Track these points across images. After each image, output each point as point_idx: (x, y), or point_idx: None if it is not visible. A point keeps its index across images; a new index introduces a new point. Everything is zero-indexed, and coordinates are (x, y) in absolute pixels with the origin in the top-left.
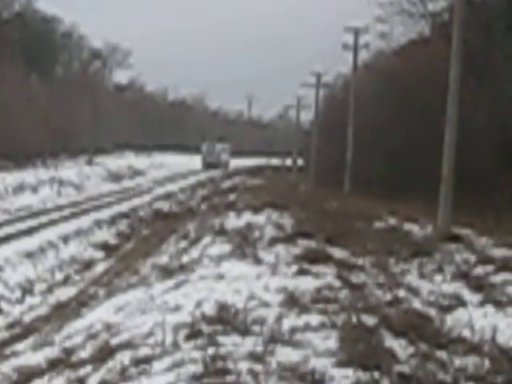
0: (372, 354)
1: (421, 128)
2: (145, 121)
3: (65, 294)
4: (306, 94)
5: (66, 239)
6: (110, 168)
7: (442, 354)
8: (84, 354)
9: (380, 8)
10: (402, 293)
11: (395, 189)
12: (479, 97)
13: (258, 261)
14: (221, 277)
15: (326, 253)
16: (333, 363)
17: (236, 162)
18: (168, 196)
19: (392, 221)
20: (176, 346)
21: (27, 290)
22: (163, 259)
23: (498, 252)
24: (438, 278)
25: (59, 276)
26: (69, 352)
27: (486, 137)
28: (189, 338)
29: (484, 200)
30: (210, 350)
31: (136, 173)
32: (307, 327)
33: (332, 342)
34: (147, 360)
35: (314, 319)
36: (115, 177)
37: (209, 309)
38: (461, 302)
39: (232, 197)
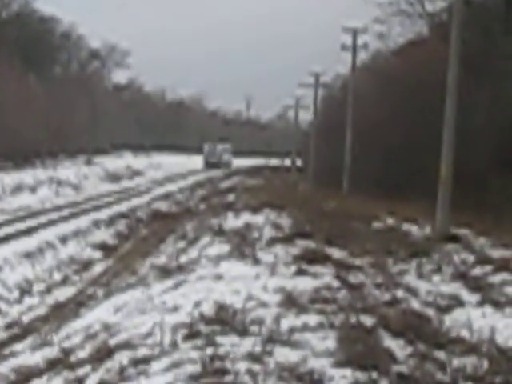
0: (370, 355)
1: (419, 128)
2: (143, 121)
3: (63, 294)
4: (304, 94)
5: (64, 239)
6: (109, 168)
7: (440, 354)
8: (82, 354)
9: (378, 8)
10: (400, 293)
11: (394, 189)
12: (478, 97)
13: (256, 261)
14: (219, 277)
15: (325, 253)
16: (331, 363)
17: (234, 162)
18: (166, 196)
19: (390, 221)
20: (174, 346)
21: (26, 290)
22: (162, 259)
23: (497, 252)
24: (437, 278)
25: (58, 276)
26: (67, 352)
27: (484, 137)
28: (187, 338)
29: (482, 200)
30: (209, 351)
31: (134, 173)
32: (305, 327)
33: (330, 343)
34: (146, 360)
35: (313, 319)
36: (113, 177)
37: (207, 309)
38: (459, 303)
39: (231, 197)
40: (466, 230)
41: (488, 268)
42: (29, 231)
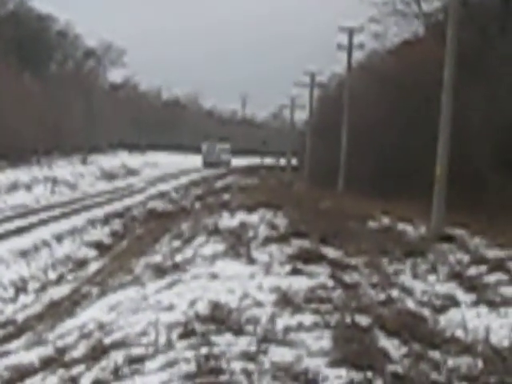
0: (365, 354)
1: (415, 128)
2: (139, 120)
3: (58, 292)
4: (300, 93)
5: (59, 238)
6: (104, 167)
7: (435, 354)
8: (77, 353)
9: (374, 8)
10: (395, 293)
11: (389, 189)
12: (474, 97)
13: (251, 260)
14: (214, 276)
15: (320, 252)
16: (326, 363)
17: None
18: (162, 195)
19: (386, 221)
20: (169, 345)
21: (21, 288)
22: (157, 258)
23: (492, 252)
24: (432, 278)
25: (53, 275)
26: (62, 351)
27: (480, 137)
28: (182, 337)
29: (478, 200)
30: (204, 350)
31: (130, 172)
32: (301, 327)
33: (325, 342)
34: (140, 359)
35: (308, 319)
36: (109, 176)
37: (202, 308)
38: (454, 302)
39: (226, 196)
40: (462, 229)
41: (483, 268)
42: (24, 229)
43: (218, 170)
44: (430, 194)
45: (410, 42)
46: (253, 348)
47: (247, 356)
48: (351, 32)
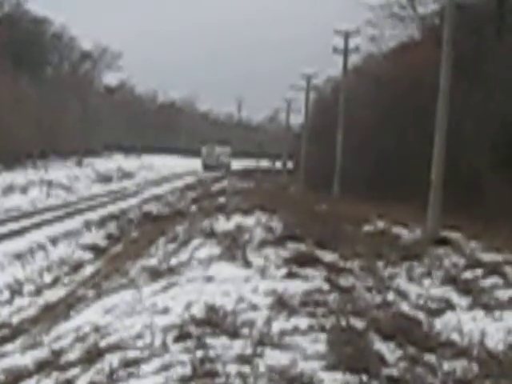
0: (360, 358)
1: (410, 131)
2: (134, 123)
3: (53, 295)
4: (296, 96)
5: (55, 241)
6: (100, 170)
7: (430, 358)
8: (72, 355)
9: (370, 11)
10: (390, 296)
11: (384, 192)
12: (470, 100)
13: (247, 263)
14: (210, 279)
15: (315, 256)
16: (321, 366)
17: None
18: (157, 198)
19: (381, 224)
20: (165, 348)
21: (16, 291)
22: (152, 261)
23: (487, 256)
24: (427, 281)
25: (48, 278)
26: (57, 354)
27: (476, 140)
28: (178, 340)
29: (473, 203)
30: (199, 353)
31: (125, 175)
32: (296, 330)
33: (321, 345)
34: (136, 362)
35: (303, 322)
36: (104, 178)
37: (198, 311)
38: (449, 306)
39: (222, 199)
40: (457, 233)
41: (479, 272)
42: (19, 232)
43: (215, 173)
44: (426, 197)
45: (405, 46)
46: (248, 351)
47: (242, 359)
48: (347, 35)
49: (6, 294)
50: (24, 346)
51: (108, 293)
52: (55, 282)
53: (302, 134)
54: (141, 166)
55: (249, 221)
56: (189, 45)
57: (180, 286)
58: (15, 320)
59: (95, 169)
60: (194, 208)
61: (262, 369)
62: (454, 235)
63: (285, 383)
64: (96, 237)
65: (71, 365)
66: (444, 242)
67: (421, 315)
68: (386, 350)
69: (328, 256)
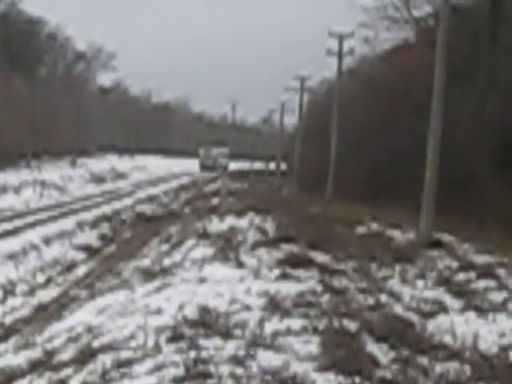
0: (353, 359)
1: (404, 133)
2: (128, 123)
3: (46, 295)
4: (290, 98)
5: (48, 241)
6: (93, 170)
7: (423, 360)
8: (65, 356)
9: (364, 13)
10: (383, 298)
11: (378, 194)
12: (464, 103)
13: (240, 264)
14: (203, 280)
15: (309, 257)
16: (314, 368)
17: None
18: (151, 199)
19: (374, 226)
20: (158, 348)
21: (9, 291)
22: (145, 262)
23: (480, 258)
24: (420, 283)
25: (41, 278)
26: (50, 354)
27: (470, 143)
28: (170, 340)
29: (467, 206)
30: (192, 354)
31: (119, 175)
32: (289, 331)
33: (313, 347)
34: (129, 363)
35: (296, 323)
36: (98, 179)
37: (191, 312)
38: (442, 308)
39: (215, 200)
40: (450, 235)
41: (472, 274)
42: (12, 232)
43: (212, 173)
44: (419, 199)
45: (400, 48)
46: (241, 352)
47: (235, 360)
48: (341, 37)
49: None
50: (17, 345)
51: (101, 293)
52: (48, 282)
53: (296, 136)
54: (134, 167)
55: (242, 222)
56: (183, 46)
57: (173, 287)
58: (8, 320)
59: (89, 169)
60: (187, 209)
61: (254, 370)
62: (447, 237)
63: None
64: (89, 237)
65: (64, 365)
66: (437, 244)
67: (414, 317)
68: (379, 351)
69: (321, 257)
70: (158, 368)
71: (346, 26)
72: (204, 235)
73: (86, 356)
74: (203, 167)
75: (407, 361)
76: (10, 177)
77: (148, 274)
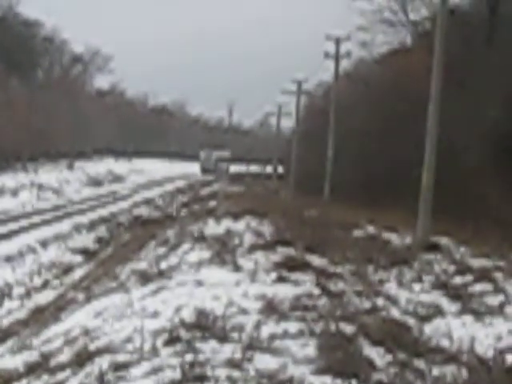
0: (350, 362)
1: (401, 137)
2: (125, 126)
3: (43, 298)
4: (287, 101)
5: (44, 244)
6: (90, 173)
7: (420, 363)
8: (62, 358)
9: (361, 17)
10: (380, 301)
11: (375, 197)
12: (461, 106)
13: (237, 268)
14: (200, 283)
15: (305, 260)
16: (311, 371)
17: None
18: (147, 202)
19: (371, 229)
20: (154, 351)
21: (6, 293)
22: (142, 265)
23: (477, 262)
24: (417, 286)
25: (38, 280)
26: (47, 356)
27: (465, 146)
28: (167, 344)
29: (463, 209)
30: (189, 357)
31: (116, 178)
32: (286, 335)
33: (310, 350)
34: (125, 365)
35: (293, 327)
36: (95, 182)
37: (187, 315)
38: (439, 312)
39: (212, 203)
40: (447, 238)
41: (468, 277)
42: (9, 235)
43: (207, 177)
44: (416, 202)
45: (397, 51)
46: (238, 355)
47: (232, 363)
48: (338, 40)
49: None
50: (14, 348)
51: (98, 296)
52: (45, 285)
53: (293, 139)
54: (131, 170)
55: (239, 225)
56: (181, 49)
57: (170, 290)
58: (5, 323)
59: (86, 172)
60: (184, 212)
61: (251, 373)
62: (444, 240)
63: None
64: (86, 240)
65: (61, 368)
66: (434, 247)
67: (410, 321)
68: (376, 355)
69: (318, 261)
70: (155, 371)
71: (343, 29)
72: (201, 238)
73: (82, 359)
74: (204, 170)
75: (404, 364)
76: (6, 179)
77: (145, 277)
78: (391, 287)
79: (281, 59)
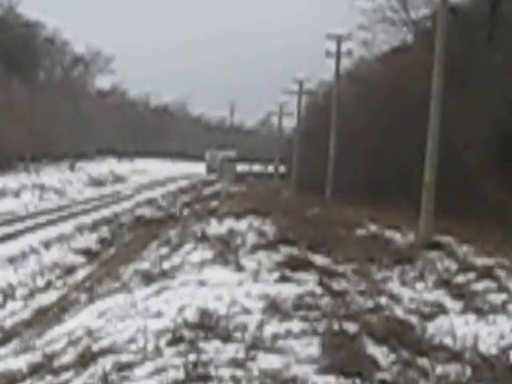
0: (354, 361)
1: (403, 135)
2: (126, 127)
3: (46, 299)
4: (288, 100)
5: (47, 245)
6: (92, 173)
7: (423, 362)
8: (66, 359)
9: (362, 15)
10: (383, 300)
11: (377, 196)
12: (462, 105)
13: (239, 267)
14: (202, 283)
15: (308, 260)
16: (315, 370)
17: None
18: (150, 202)
19: (373, 228)
20: (158, 351)
21: (9, 294)
22: (145, 265)
23: (480, 260)
24: (420, 285)
25: (41, 281)
26: (51, 357)
27: (468, 144)
28: (170, 344)
29: (466, 207)
30: (192, 357)
31: (118, 179)
32: (289, 334)
33: (314, 349)
34: (129, 366)
35: (296, 326)
36: (97, 182)
37: (190, 315)
38: (442, 310)
39: (214, 203)
40: (449, 236)
41: (471, 276)
42: (12, 236)
43: (210, 177)
44: (418, 201)
45: (398, 50)
46: (241, 355)
47: (235, 363)
48: (339, 39)
49: None
50: (17, 349)
51: (101, 296)
52: (48, 285)
53: (295, 138)
54: (133, 170)
55: (241, 225)
56: (181, 49)
57: (173, 290)
58: (8, 324)
59: (87, 173)
60: (186, 212)
61: (255, 372)
62: (447, 239)
63: None
64: (88, 241)
65: (64, 368)
66: (437, 245)
67: (413, 319)
68: (379, 353)
69: (321, 260)
70: (158, 371)
71: (344, 28)
72: (203, 238)
73: (86, 359)
74: (209, 170)
75: (407, 363)
76: (9, 180)
77: (147, 278)
78: (394, 286)
79: (282, 59)
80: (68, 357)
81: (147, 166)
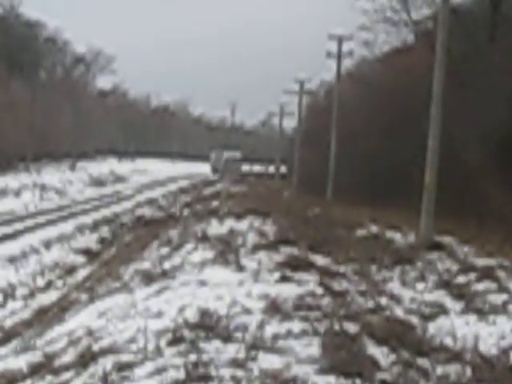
0: (354, 362)
1: (404, 136)
2: (127, 126)
3: (47, 299)
4: (289, 101)
5: (48, 244)
6: (93, 173)
7: (423, 362)
8: (66, 359)
9: (364, 16)
10: (384, 300)
11: (378, 196)
12: (463, 105)
13: (240, 267)
14: (203, 283)
15: (309, 260)
16: (315, 370)
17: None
18: (150, 202)
19: (374, 228)
20: (158, 351)
21: (9, 294)
22: (145, 265)
23: (480, 260)
24: (420, 285)
25: (41, 281)
26: (51, 357)
27: (469, 145)
28: (171, 344)
29: (466, 208)
30: (192, 356)
31: (118, 179)
32: (289, 334)
33: (314, 349)
34: (129, 366)
35: (297, 326)
36: (97, 182)
37: (191, 315)
38: (443, 310)
39: (215, 203)
40: (450, 237)
41: (472, 276)
42: (12, 236)
43: (213, 177)
44: (419, 201)
45: (399, 50)
46: (241, 355)
47: (236, 363)
48: (340, 40)
49: (0, 297)
50: (17, 349)
51: (101, 296)
52: (48, 285)
53: (295, 139)
54: (134, 170)
55: (242, 225)
56: (182, 49)
57: (173, 290)
58: (8, 323)
59: (88, 172)
60: (187, 212)
61: (255, 373)
62: (447, 239)
63: None
64: (89, 240)
65: (65, 368)
66: (437, 246)
67: (414, 319)
68: (380, 354)
69: (321, 260)
70: (159, 371)
71: (345, 29)
72: (204, 238)
73: (86, 359)
74: (214, 170)
75: (408, 363)
76: (9, 180)
77: (148, 278)
78: (395, 286)
79: (282, 59)
80: (68, 357)
81: (148, 165)
